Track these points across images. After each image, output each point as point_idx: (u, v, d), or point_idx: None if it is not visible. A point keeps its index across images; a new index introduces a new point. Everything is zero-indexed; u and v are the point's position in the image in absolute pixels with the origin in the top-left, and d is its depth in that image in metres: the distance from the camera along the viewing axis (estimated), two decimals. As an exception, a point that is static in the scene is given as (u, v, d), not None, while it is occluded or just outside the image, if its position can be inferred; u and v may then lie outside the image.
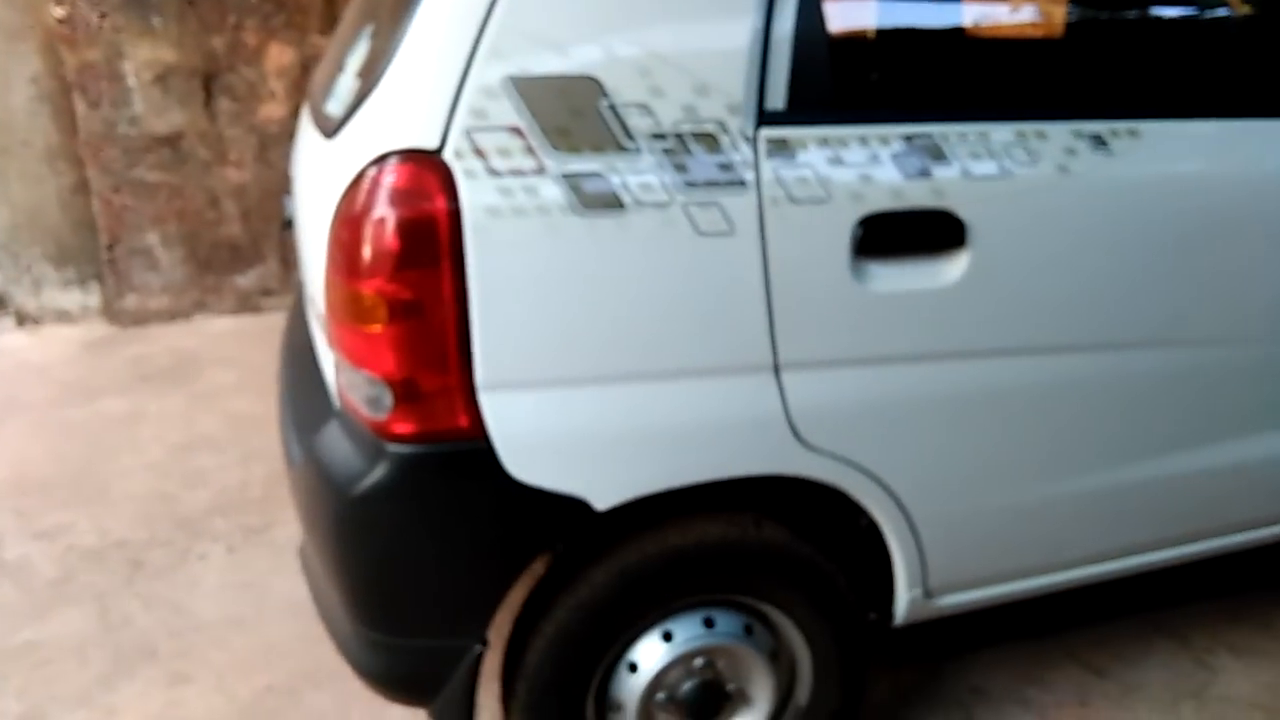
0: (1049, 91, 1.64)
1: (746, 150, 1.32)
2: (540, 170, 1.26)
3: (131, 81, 3.96)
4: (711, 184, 1.31)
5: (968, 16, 2.24)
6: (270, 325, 4.11)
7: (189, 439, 3.18)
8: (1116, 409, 1.64)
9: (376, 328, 1.28)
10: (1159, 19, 2.09)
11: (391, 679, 1.48)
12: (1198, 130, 1.58)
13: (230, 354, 3.89)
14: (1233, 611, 2.27)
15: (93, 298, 4.24)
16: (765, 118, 1.34)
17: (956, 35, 2.43)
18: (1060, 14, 2.20)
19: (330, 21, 4.10)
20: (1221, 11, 2.27)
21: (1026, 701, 2.00)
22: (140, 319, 4.21)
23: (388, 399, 1.31)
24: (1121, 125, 1.50)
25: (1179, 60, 1.90)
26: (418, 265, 1.25)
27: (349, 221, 1.28)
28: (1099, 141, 1.48)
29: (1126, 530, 1.78)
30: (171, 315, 4.25)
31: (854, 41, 2.04)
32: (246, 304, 4.35)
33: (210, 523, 2.70)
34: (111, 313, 4.20)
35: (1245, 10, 2.33)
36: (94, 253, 4.16)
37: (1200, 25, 2.17)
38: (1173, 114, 1.56)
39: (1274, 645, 2.17)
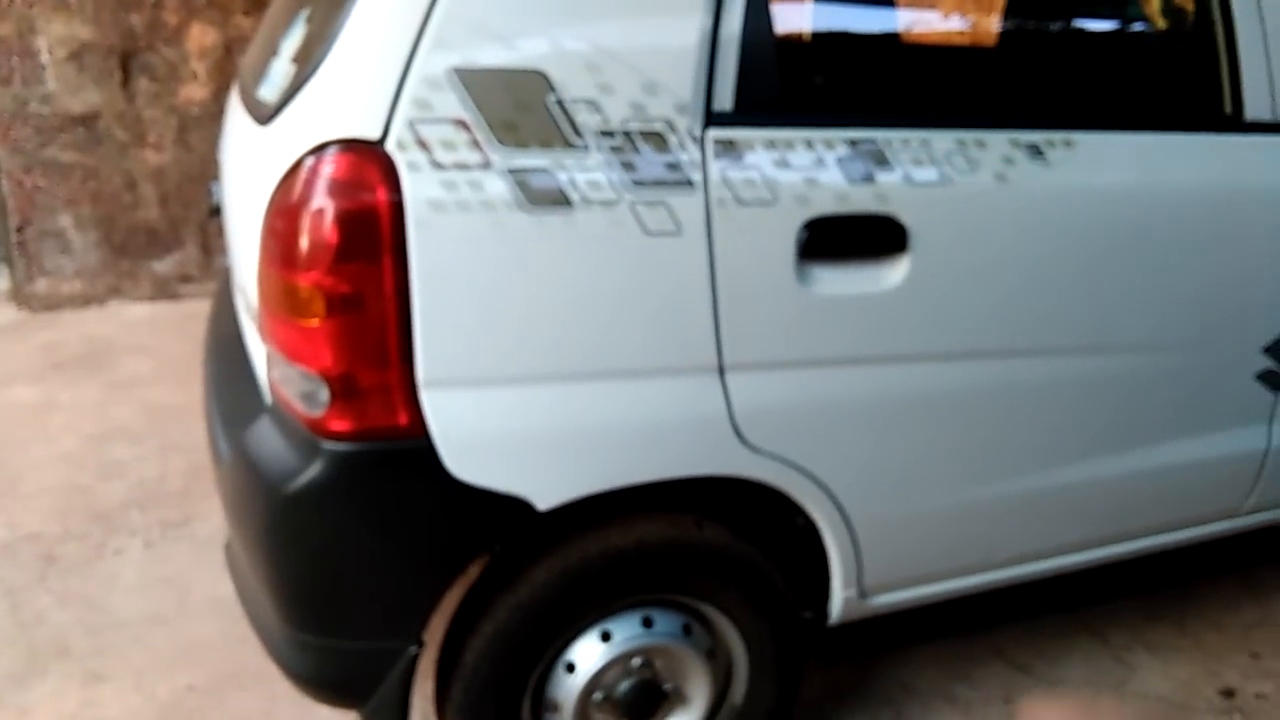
0: (988, 101, 1.66)
1: (694, 150, 1.31)
2: (486, 165, 1.24)
3: (45, 58, 3.81)
4: (659, 183, 1.30)
5: (912, 26, 2.26)
6: (189, 313, 4.00)
7: (104, 429, 3.07)
8: (1046, 413, 1.68)
9: (313, 321, 1.25)
10: (1090, 32, 2.14)
11: (323, 681, 1.45)
12: (1128, 142, 1.62)
13: (147, 342, 3.77)
14: (1150, 610, 2.34)
15: (2, 281, 4.08)
16: (713, 118, 1.33)
17: (901, 44, 2.47)
18: (999, 26, 2.25)
19: (255, 2, 3.99)
20: (1140, 26, 2.33)
21: (954, 698, 2.04)
22: (52, 304, 4.06)
23: (324, 395, 1.27)
24: (1057, 135, 1.53)
25: (1109, 73, 1.95)
26: (357, 258, 1.22)
27: (285, 212, 1.24)
28: (1036, 151, 1.51)
29: (1054, 531, 1.82)
30: (85, 301, 4.11)
31: (802, 45, 2.05)
32: (164, 291, 4.22)
33: (127, 516, 2.61)
34: (21, 297, 4.04)
35: (1163, 26, 2.40)
36: (3, 235, 4.00)
37: (1125, 40, 2.23)
38: (1105, 126, 1.59)
39: (1188, 643, 2.24)
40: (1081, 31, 2.26)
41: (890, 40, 2.40)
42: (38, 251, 4.00)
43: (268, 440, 1.38)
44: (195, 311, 3.90)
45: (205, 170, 4.06)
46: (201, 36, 3.99)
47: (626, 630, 1.54)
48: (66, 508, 2.64)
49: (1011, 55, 2.34)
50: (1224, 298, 1.75)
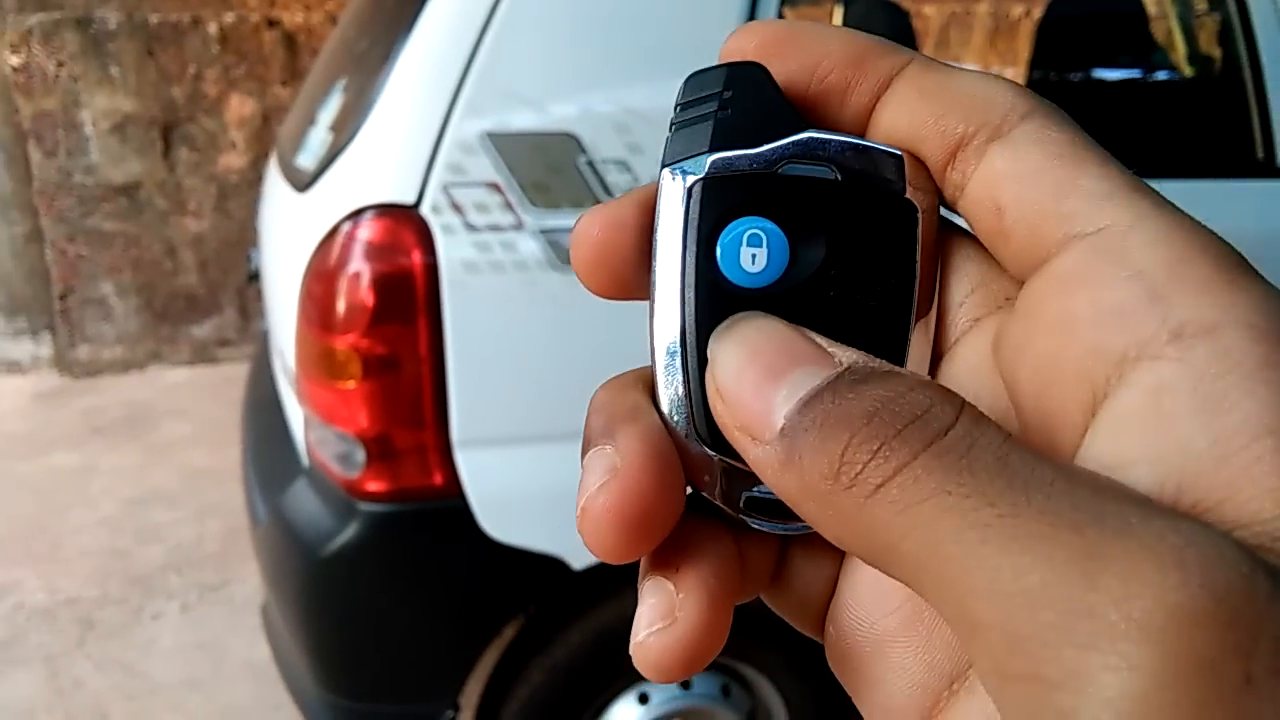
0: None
1: (724, 207, 1.32)
2: (518, 226, 1.25)
3: (89, 130, 3.92)
4: (690, 240, 1.31)
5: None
6: (227, 376, 4.05)
7: (143, 493, 3.10)
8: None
9: (350, 383, 1.26)
10: (1119, 82, 2.14)
11: (359, 746, 1.44)
12: (1161, 190, 1.61)
13: (185, 406, 3.82)
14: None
15: (44, 348, 4.16)
16: (742, 175, 1.34)
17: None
18: (1027, 77, 2.26)
19: (292, 73, 4.10)
20: (1170, 75, 2.34)
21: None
22: (93, 370, 4.13)
23: (360, 456, 1.28)
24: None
25: (1140, 122, 1.95)
26: (393, 320, 1.23)
27: (323, 276, 1.26)
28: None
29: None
30: (125, 366, 4.17)
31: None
32: (203, 355, 4.28)
33: (165, 580, 2.62)
34: (63, 363, 4.11)
35: (1191, 73, 2.41)
36: (46, 302, 4.08)
37: (1155, 88, 2.24)
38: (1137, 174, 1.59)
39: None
40: (1110, 81, 2.27)
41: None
42: (80, 319, 4.08)
43: (304, 502, 1.39)
44: (233, 375, 3.94)
45: (243, 236, 4.13)
46: (240, 107, 4.09)
47: (664, 692, 1.52)
48: (105, 572, 2.66)
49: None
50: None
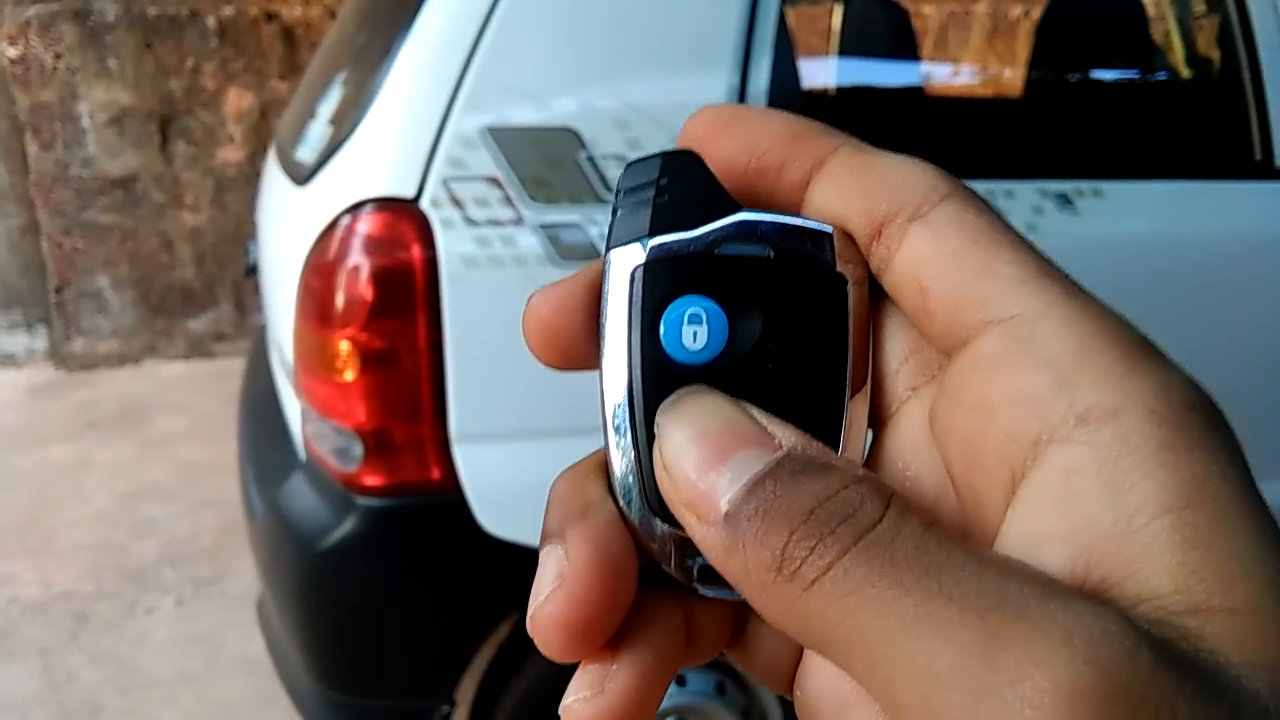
0: (1016, 152, 1.67)
1: (724, 204, 1.32)
2: (518, 220, 1.25)
3: (86, 123, 3.91)
4: (689, 237, 1.31)
5: (938, 79, 2.28)
6: (223, 371, 4.04)
7: (137, 487, 3.09)
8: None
9: (348, 377, 1.26)
10: (1117, 82, 2.15)
11: (354, 740, 1.44)
12: (1158, 190, 1.62)
13: (181, 400, 3.81)
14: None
15: (39, 341, 4.15)
16: (742, 172, 1.34)
17: (926, 96, 2.49)
18: (1025, 78, 2.26)
19: (290, 67, 4.09)
20: (1169, 75, 2.34)
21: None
22: (88, 363, 4.12)
23: (358, 450, 1.28)
24: (1087, 185, 1.53)
25: (1138, 122, 1.95)
26: (392, 314, 1.23)
27: (321, 269, 1.26)
28: (1065, 201, 1.51)
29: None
30: (121, 360, 4.17)
31: (827, 100, 2.07)
32: (198, 349, 4.27)
33: (159, 574, 2.62)
34: (59, 357, 4.11)
35: (1188, 74, 2.41)
36: (42, 296, 4.07)
37: (1153, 89, 2.24)
38: (1135, 175, 1.59)
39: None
40: (1109, 82, 2.27)
41: (915, 93, 2.42)
42: (75, 312, 4.07)
43: (301, 496, 1.38)
44: (229, 369, 3.94)
45: (240, 230, 4.13)
46: (238, 100, 4.08)
47: (660, 688, 1.52)
48: (99, 566, 2.65)
49: (1039, 106, 2.35)
50: (1258, 344, 1.73)
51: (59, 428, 3.53)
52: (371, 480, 1.28)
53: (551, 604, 0.22)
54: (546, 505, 0.24)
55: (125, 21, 3.86)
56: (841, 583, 0.18)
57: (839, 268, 0.23)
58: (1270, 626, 0.17)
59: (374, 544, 1.31)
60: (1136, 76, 2.30)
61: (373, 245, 1.22)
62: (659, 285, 0.23)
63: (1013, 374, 0.20)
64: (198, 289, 4.22)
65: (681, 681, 1.53)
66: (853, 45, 2.46)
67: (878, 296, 0.24)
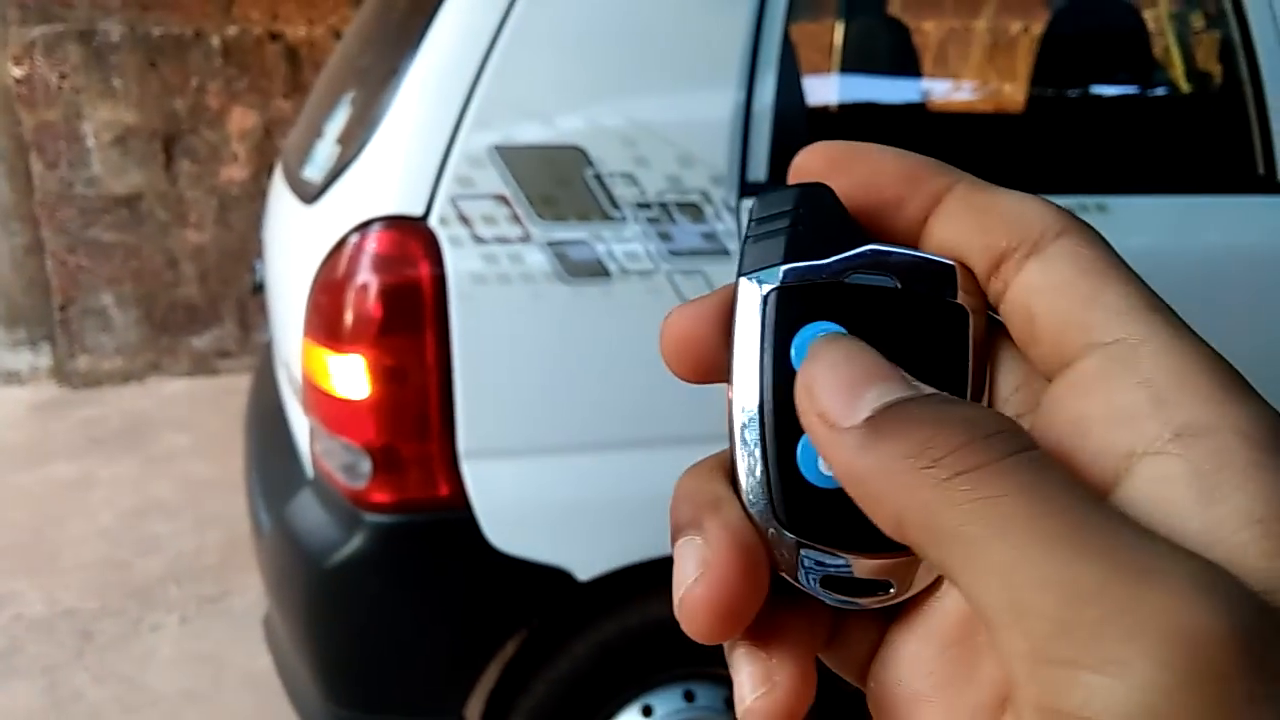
0: (1020, 167, 1.67)
1: (730, 220, 1.33)
2: (526, 238, 1.26)
3: (90, 142, 3.93)
4: (696, 253, 1.31)
5: (941, 95, 2.29)
6: (227, 388, 4.04)
7: (142, 504, 3.09)
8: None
9: (357, 394, 1.26)
10: (1121, 98, 2.16)
11: (362, 758, 1.43)
12: (1162, 205, 1.63)
13: (185, 417, 3.81)
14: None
15: (43, 359, 4.15)
16: (747, 189, 1.35)
17: (930, 112, 2.50)
18: (1028, 93, 2.27)
19: (294, 86, 4.11)
20: (1173, 90, 2.35)
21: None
22: (92, 381, 4.13)
23: (366, 466, 1.28)
24: (1091, 200, 1.54)
25: (1141, 137, 1.96)
26: (401, 332, 1.24)
27: (330, 287, 1.27)
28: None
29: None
30: (125, 377, 4.17)
31: (832, 116, 2.08)
32: (202, 366, 4.28)
33: (164, 591, 2.62)
34: (62, 374, 4.11)
35: (1188, 89, 2.42)
36: (46, 313, 4.08)
37: (1157, 104, 2.25)
38: (1138, 190, 1.60)
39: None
40: (1112, 97, 2.28)
41: (919, 110, 2.43)
42: (79, 329, 4.08)
43: (309, 513, 1.39)
44: (233, 386, 3.94)
45: (245, 248, 4.14)
46: (242, 119, 4.10)
47: (668, 705, 1.52)
48: (104, 583, 2.65)
49: (1043, 122, 2.36)
50: (1261, 358, 1.73)
51: (63, 445, 3.53)
52: (380, 497, 1.29)
53: (698, 588, 0.23)
54: (673, 502, 0.25)
55: (130, 42, 3.88)
56: (990, 484, 0.19)
57: (960, 300, 0.25)
58: None
59: (382, 561, 1.31)
60: (1139, 92, 2.31)
61: (381, 263, 1.23)
62: (792, 309, 0.24)
63: (1111, 392, 0.21)
64: (202, 306, 4.23)
65: (690, 698, 1.53)
66: (854, 62, 2.48)
67: (995, 329, 0.25)
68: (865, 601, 0.24)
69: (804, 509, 0.24)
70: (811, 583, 0.24)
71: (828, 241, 0.25)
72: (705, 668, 1.52)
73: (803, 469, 0.24)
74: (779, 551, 0.24)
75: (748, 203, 1.34)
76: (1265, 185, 1.70)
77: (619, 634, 1.44)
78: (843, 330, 0.24)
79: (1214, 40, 2.17)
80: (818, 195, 0.25)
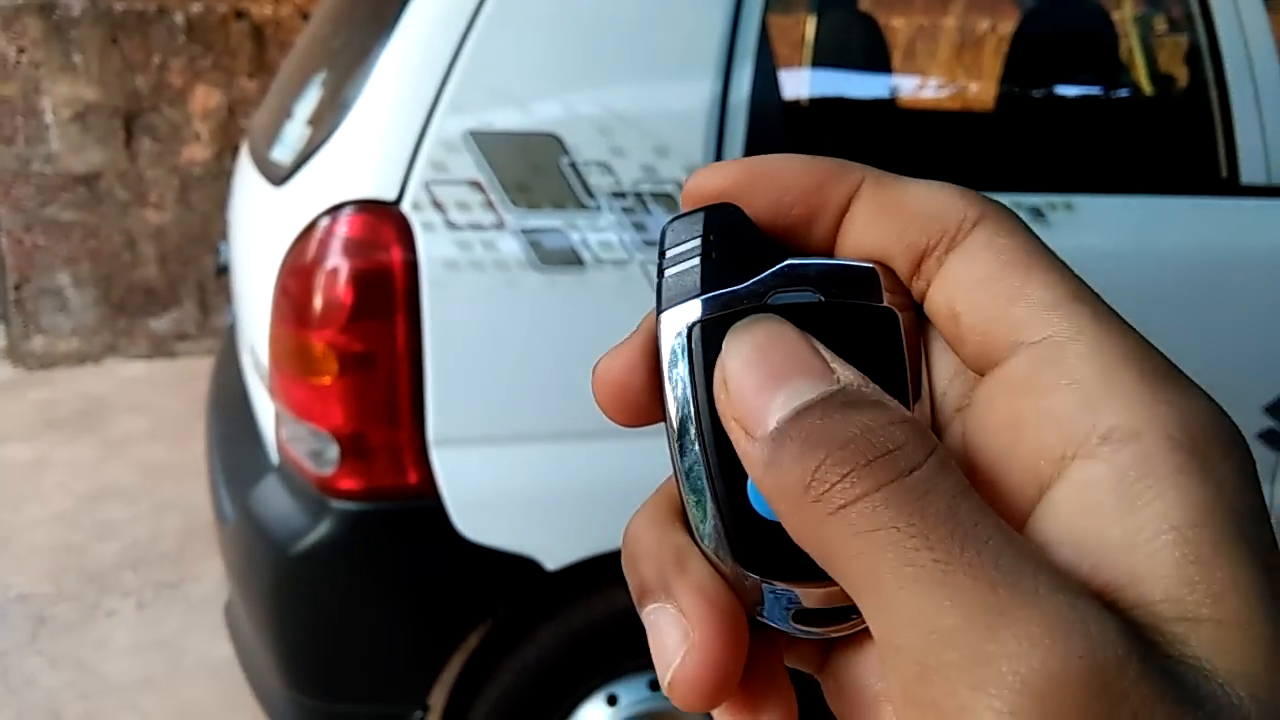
0: (989, 164, 1.69)
1: (704, 211, 1.33)
2: (500, 225, 1.25)
3: (49, 118, 3.85)
4: (670, 244, 1.31)
5: (913, 91, 2.30)
6: (186, 371, 3.99)
7: (98, 488, 3.04)
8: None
9: (325, 380, 1.25)
10: (1088, 99, 2.18)
11: (325, 746, 1.42)
12: (1127, 205, 1.65)
13: (142, 400, 3.76)
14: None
15: (-3, 339, 4.07)
16: (722, 180, 1.35)
17: (901, 109, 2.51)
18: (999, 91, 2.29)
19: (260, 65, 4.05)
20: (1139, 92, 2.38)
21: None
22: (48, 362, 4.05)
23: (333, 453, 1.27)
24: (1059, 199, 1.55)
25: (1108, 138, 1.99)
26: (371, 317, 1.22)
27: (299, 271, 1.25)
28: (1037, 214, 1.53)
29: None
30: (81, 359, 4.10)
31: (806, 110, 2.08)
32: (161, 349, 4.21)
33: (120, 577, 2.58)
34: (17, 355, 4.03)
35: (1152, 92, 2.46)
36: (1, 292, 4.00)
37: (1123, 105, 2.28)
38: (1105, 189, 1.62)
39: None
40: (1080, 97, 2.30)
41: (890, 106, 2.44)
42: (35, 309, 4.00)
43: (274, 500, 1.37)
44: (192, 370, 3.89)
45: (206, 230, 4.08)
46: (205, 98, 4.03)
47: (633, 694, 1.52)
48: (59, 568, 2.61)
49: (1011, 120, 2.38)
50: (1223, 358, 1.76)
51: (17, 427, 3.47)
52: (347, 484, 1.27)
53: (686, 668, 0.22)
54: (629, 557, 0.24)
55: (91, 16, 3.80)
56: (868, 517, 0.19)
57: (886, 302, 0.24)
58: (1255, 639, 0.18)
59: (349, 548, 1.30)
60: (1106, 93, 2.33)
61: (352, 247, 1.22)
62: (717, 341, 0.23)
63: (1042, 394, 0.21)
64: (161, 288, 4.16)
65: (656, 687, 1.53)
66: (826, 57, 2.48)
67: (924, 322, 0.25)
68: (838, 629, 0.24)
69: (757, 544, 0.23)
70: (780, 619, 0.24)
71: (743, 263, 0.24)
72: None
73: (754, 502, 0.23)
74: (742, 592, 0.23)
75: (722, 194, 1.34)
76: (1227, 188, 1.73)
77: (585, 623, 1.44)
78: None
79: (1179, 43, 2.20)
80: (726, 216, 0.25)
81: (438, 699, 1.46)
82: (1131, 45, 2.53)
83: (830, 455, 0.20)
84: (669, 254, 0.25)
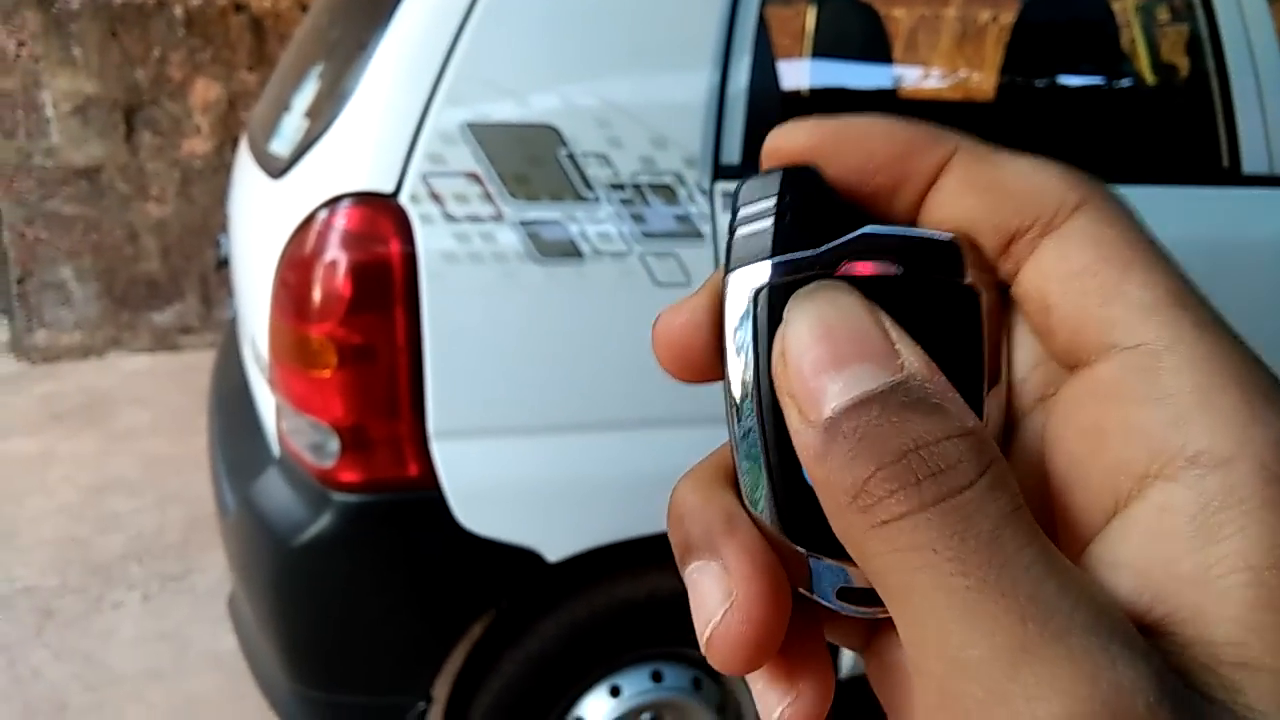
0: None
1: (703, 203, 1.33)
2: (498, 217, 1.25)
3: (50, 112, 3.85)
4: (669, 235, 1.31)
5: (911, 82, 2.30)
6: (188, 364, 4.00)
7: (102, 481, 3.05)
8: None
9: (325, 372, 1.25)
10: (1089, 88, 2.17)
11: (329, 737, 1.43)
12: (1129, 195, 1.64)
13: (146, 393, 3.76)
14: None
15: (1, 333, 4.08)
16: (721, 171, 1.35)
17: (900, 99, 2.50)
18: (999, 81, 2.28)
19: (259, 58, 4.04)
20: (1133, 83, 2.37)
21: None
22: (51, 356, 4.06)
23: (334, 445, 1.27)
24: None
25: (1109, 127, 1.98)
26: (370, 310, 1.23)
27: (298, 264, 1.25)
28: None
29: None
30: (84, 352, 4.11)
31: (806, 100, 2.08)
32: (163, 342, 4.22)
33: (125, 569, 2.59)
34: (21, 349, 4.04)
35: (1153, 81, 2.45)
36: (4, 286, 4.01)
37: (1124, 95, 2.27)
38: (1106, 179, 1.61)
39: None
40: (1081, 87, 2.30)
41: (889, 96, 2.44)
42: (38, 303, 4.01)
43: (276, 492, 1.38)
44: (195, 363, 3.90)
45: (207, 223, 4.08)
46: (205, 91, 4.03)
47: (636, 685, 1.52)
48: (64, 561, 2.62)
49: (1012, 111, 2.37)
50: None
51: (21, 421, 3.48)
52: (348, 476, 1.28)
53: (728, 624, 0.22)
54: (675, 516, 0.24)
55: (90, 10, 3.80)
56: (908, 536, 0.18)
57: (968, 279, 0.23)
58: None
59: (350, 540, 1.30)
60: (1108, 83, 2.33)
61: (351, 240, 1.22)
62: (783, 307, 0.22)
63: (1130, 405, 0.20)
64: (163, 281, 4.17)
65: (658, 678, 1.53)
66: (826, 47, 2.48)
67: (1007, 303, 0.24)
68: (884, 611, 0.22)
69: (809, 519, 0.22)
70: (826, 594, 0.23)
71: (818, 228, 0.23)
72: (673, 649, 1.53)
73: (807, 477, 0.22)
74: (790, 563, 0.23)
75: (721, 185, 1.34)
76: (1229, 177, 1.73)
77: (587, 615, 1.44)
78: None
79: (1181, 33, 2.19)
80: (804, 178, 0.23)
81: (441, 690, 1.47)
82: (1133, 35, 2.52)
83: (882, 469, 0.19)
84: (741, 213, 0.24)
